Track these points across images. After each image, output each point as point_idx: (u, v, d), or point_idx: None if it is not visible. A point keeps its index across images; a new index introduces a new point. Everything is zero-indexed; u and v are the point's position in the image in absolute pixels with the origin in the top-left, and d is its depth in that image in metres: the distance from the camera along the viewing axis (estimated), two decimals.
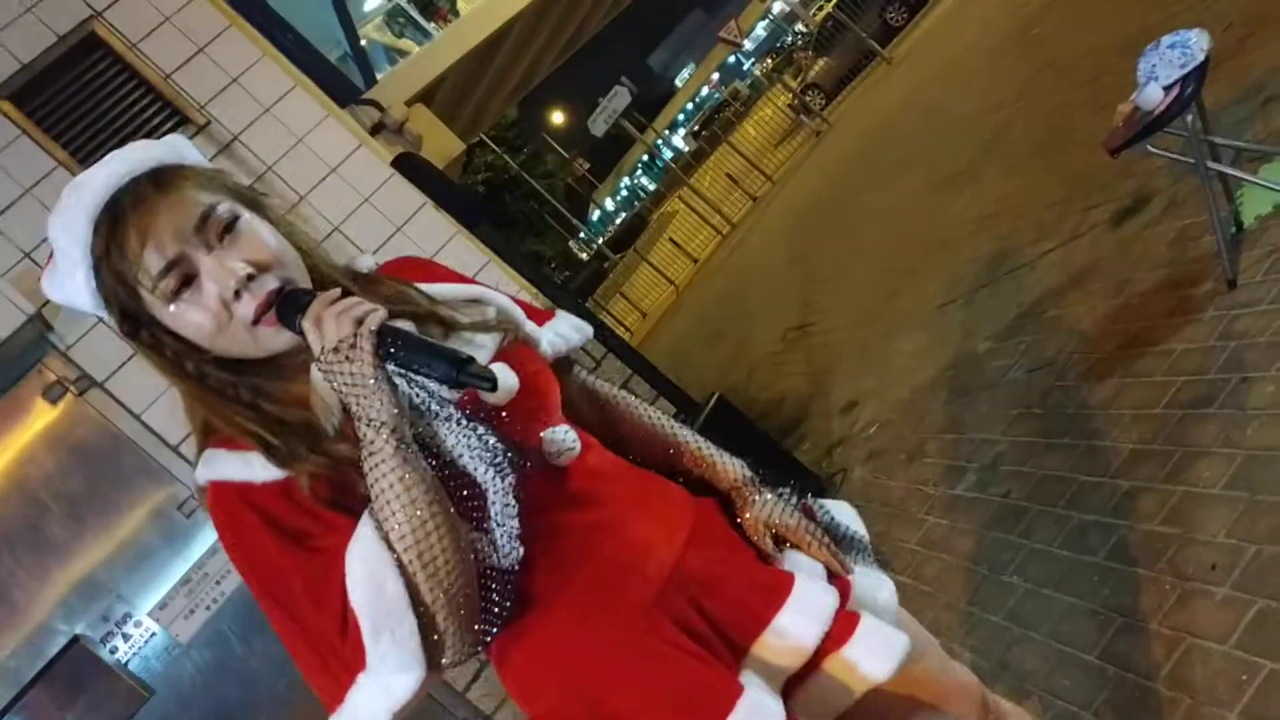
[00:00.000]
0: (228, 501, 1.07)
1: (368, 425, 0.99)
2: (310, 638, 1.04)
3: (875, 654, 1.13)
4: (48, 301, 4.00)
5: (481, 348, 1.17)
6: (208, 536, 4.01)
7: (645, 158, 47.84)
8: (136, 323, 1.10)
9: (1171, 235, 3.20)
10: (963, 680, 1.31)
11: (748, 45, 38.11)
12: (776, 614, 1.14)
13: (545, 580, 1.11)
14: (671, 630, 1.11)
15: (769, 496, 1.26)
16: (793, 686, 1.15)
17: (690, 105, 61.35)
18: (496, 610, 1.05)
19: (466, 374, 0.99)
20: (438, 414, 1.05)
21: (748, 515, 1.25)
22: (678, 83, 71.26)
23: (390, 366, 1.02)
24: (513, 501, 1.05)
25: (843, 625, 1.14)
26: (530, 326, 1.29)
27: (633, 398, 1.38)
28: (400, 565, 0.99)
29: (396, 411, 1.00)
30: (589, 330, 1.39)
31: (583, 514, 1.14)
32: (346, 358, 0.99)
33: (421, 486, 1.00)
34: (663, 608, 1.12)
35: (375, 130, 5.22)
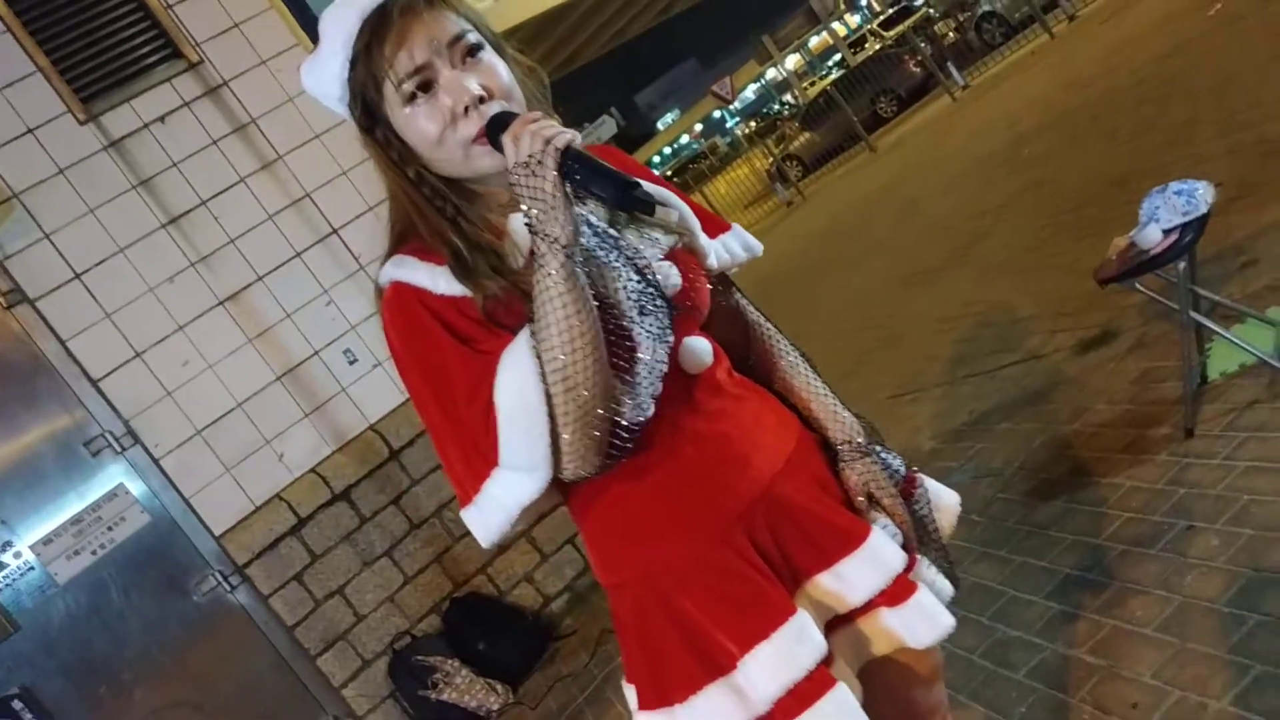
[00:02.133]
0: (407, 300, 1.17)
1: (543, 239, 1.06)
2: (458, 431, 1.13)
3: (923, 622, 1.23)
4: None
5: (655, 244, 1.25)
6: (107, 479, 3.85)
7: None
8: (373, 120, 1.20)
9: (1135, 374, 3.24)
10: (941, 689, 1.41)
11: (736, 104, 38.64)
12: (845, 558, 1.24)
13: (649, 468, 1.20)
14: (745, 544, 1.21)
15: (873, 460, 1.34)
16: (837, 626, 1.25)
17: (668, 149, 61.90)
18: (616, 451, 1.13)
19: (631, 196, 1.06)
20: (615, 259, 1.15)
21: (849, 472, 1.34)
22: (660, 125, 71.84)
23: (570, 191, 1.08)
24: (663, 359, 1.16)
25: (900, 588, 1.24)
26: (703, 238, 1.36)
27: (776, 332, 1.46)
28: (543, 375, 1.07)
29: (572, 232, 1.06)
30: (757, 248, 1.47)
31: (697, 420, 1.23)
32: (533, 172, 1.05)
33: (577, 307, 1.06)
34: (743, 523, 1.22)
35: None
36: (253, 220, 4.29)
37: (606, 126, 17.67)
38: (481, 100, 1.16)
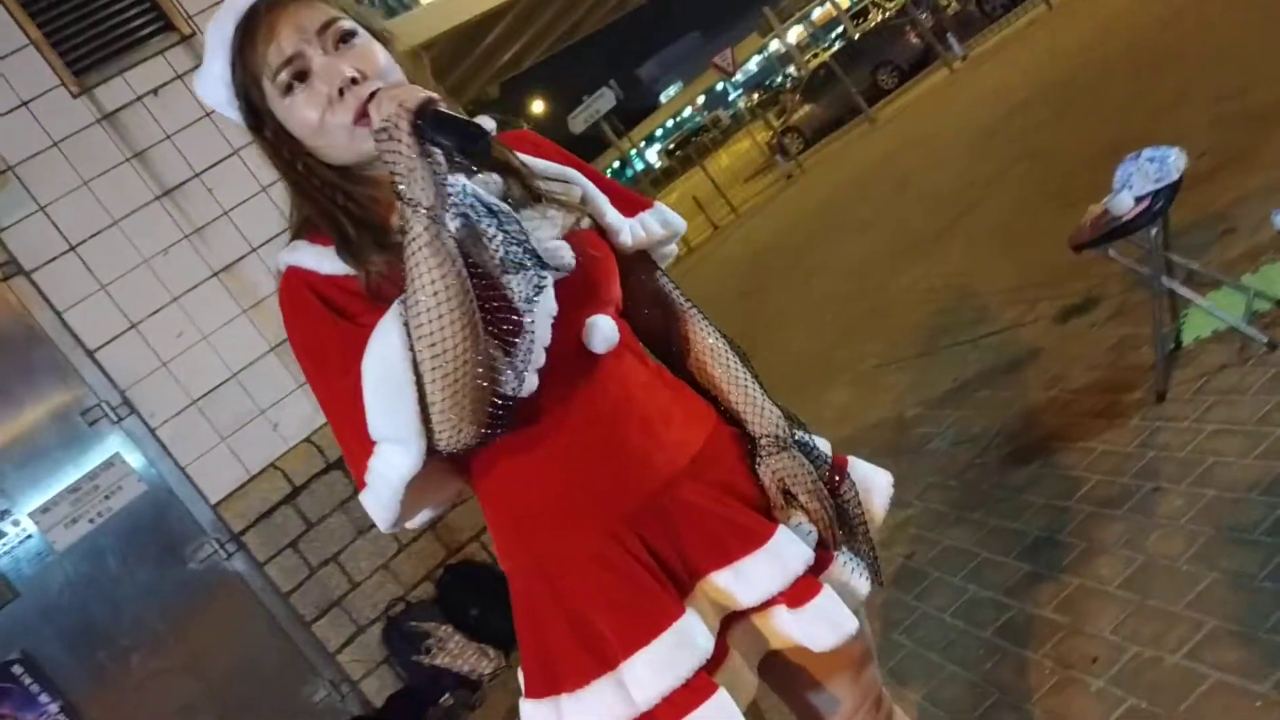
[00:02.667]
0: (293, 283, 1.20)
1: (408, 205, 1.06)
2: (340, 408, 1.13)
3: (822, 626, 1.20)
4: None
5: (553, 222, 1.24)
6: (104, 449, 3.92)
7: (617, 164, 47.90)
8: (260, 119, 1.22)
9: (1113, 340, 3.29)
10: (870, 676, 1.38)
11: (739, 77, 38.46)
12: (745, 556, 1.20)
13: (543, 454, 1.19)
14: (635, 542, 1.19)
15: (791, 456, 1.30)
16: (737, 618, 1.23)
17: (670, 122, 61.67)
18: (496, 422, 1.11)
19: (474, 147, 1.07)
20: (490, 225, 1.14)
21: (764, 468, 1.30)
22: (662, 98, 71.53)
23: (436, 156, 1.08)
24: (545, 330, 1.14)
25: (803, 588, 1.20)
26: (613, 215, 1.34)
27: (701, 318, 1.41)
28: (411, 346, 1.06)
29: (435, 196, 1.06)
30: (679, 225, 1.44)
31: (597, 407, 1.21)
32: (389, 135, 1.06)
33: (443, 271, 1.05)
34: (635, 520, 1.20)
35: None
36: (246, 192, 4.32)
37: (605, 99, 17.70)
38: (355, 82, 1.16)
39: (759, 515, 1.25)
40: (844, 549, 1.30)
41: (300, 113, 1.18)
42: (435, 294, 1.05)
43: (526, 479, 1.20)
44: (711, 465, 1.26)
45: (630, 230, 1.36)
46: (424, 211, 1.05)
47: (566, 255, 1.21)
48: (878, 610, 2.78)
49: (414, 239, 1.05)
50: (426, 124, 1.06)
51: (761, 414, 1.34)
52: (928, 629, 2.58)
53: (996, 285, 4.55)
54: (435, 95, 1.09)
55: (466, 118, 1.09)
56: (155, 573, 3.95)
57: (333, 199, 1.21)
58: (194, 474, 4.04)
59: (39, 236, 3.99)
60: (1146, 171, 2.65)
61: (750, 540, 1.21)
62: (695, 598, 1.21)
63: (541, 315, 1.14)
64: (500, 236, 1.14)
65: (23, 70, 4.04)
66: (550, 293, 1.16)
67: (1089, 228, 2.78)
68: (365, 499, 1.15)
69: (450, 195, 1.10)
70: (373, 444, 1.10)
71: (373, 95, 1.13)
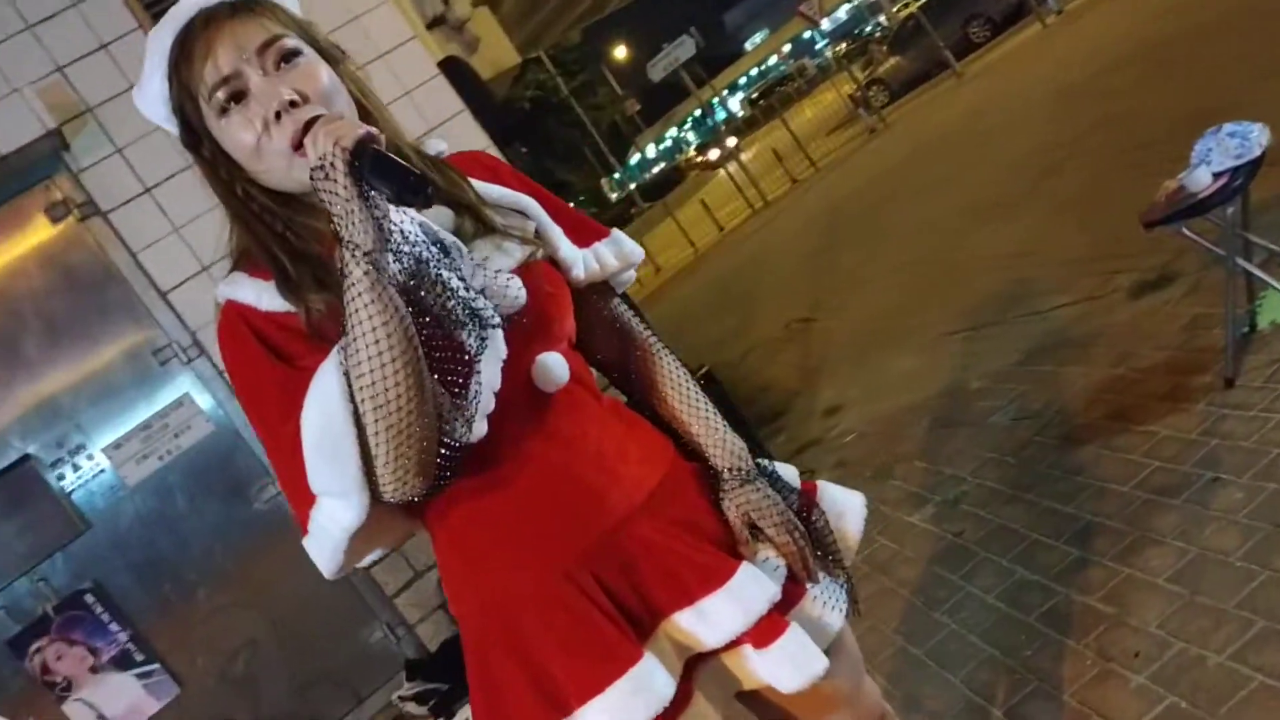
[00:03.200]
0: (231, 319, 1.15)
1: (345, 247, 1.00)
2: (281, 454, 1.07)
3: (787, 667, 1.15)
4: (70, 119, 3.98)
5: (509, 256, 1.19)
6: (175, 388, 4.02)
7: (697, 113, 47.40)
8: (197, 137, 1.17)
9: (1185, 320, 3.18)
10: (869, 704, 1.33)
11: (825, 25, 37.67)
12: (706, 596, 1.15)
13: (492, 493, 1.14)
14: (590, 583, 1.14)
15: (756, 489, 1.25)
16: (703, 659, 1.18)
17: (755, 71, 60.76)
18: (444, 471, 1.07)
19: (408, 192, 0.99)
20: (437, 267, 1.07)
21: (728, 502, 1.25)
22: (747, 46, 70.49)
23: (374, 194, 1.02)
24: (495, 375, 1.09)
25: (768, 628, 1.15)
26: (566, 248, 1.28)
27: (663, 349, 1.36)
28: (351, 394, 1.01)
29: (375, 239, 1.00)
30: (635, 255, 1.38)
31: (549, 445, 1.16)
32: (326, 174, 1.00)
33: (385, 318, 0.99)
34: (590, 559, 1.14)
35: (434, 23, 5.15)
36: None
37: (685, 46, 17.49)
38: (294, 104, 1.09)
39: (721, 553, 1.20)
40: (823, 579, 1.25)
41: (235, 134, 1.12)
42: (377, 342, 0.99)
43: (476, 520, 1.15)
44: (670, 501, 1.21)
45: (584, 263, 1.30)
46: (362, 255, 0.99)
47: (516, 290, 1.15)
48: (923, 587, 2.75)
49: (353, 284, 0.99)
50: (364, 166, 1.00)
51: (723, 446, 1.29)
52: (971, 610, 2.55)
53: (1071, 255, 4.42)
54: (374, 131, 1.03)
55: (405, 164, 1.01)
56: (221, 511, 4.06)
57: (271, 228, 1.15)
58: None
59: (116, 178, 4.08)
60: (1227, 146, 2.54)
61: (711, 579, 1.15)
62: (657, 639, 1.15)
63: (491, 359, 1.09)
64: (448, 277, 1.07)
65: (102, 12, 4.11)
66: (499, 335, 1.10)
67: (1163, 203, 2.67)
68: (308, 547, 1.10)
69: (391, 236, 1.03)
70: (313, 496, 1.05)
71: (311, 123, 1.07)
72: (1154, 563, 2.27)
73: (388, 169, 1.00)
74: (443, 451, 1.06)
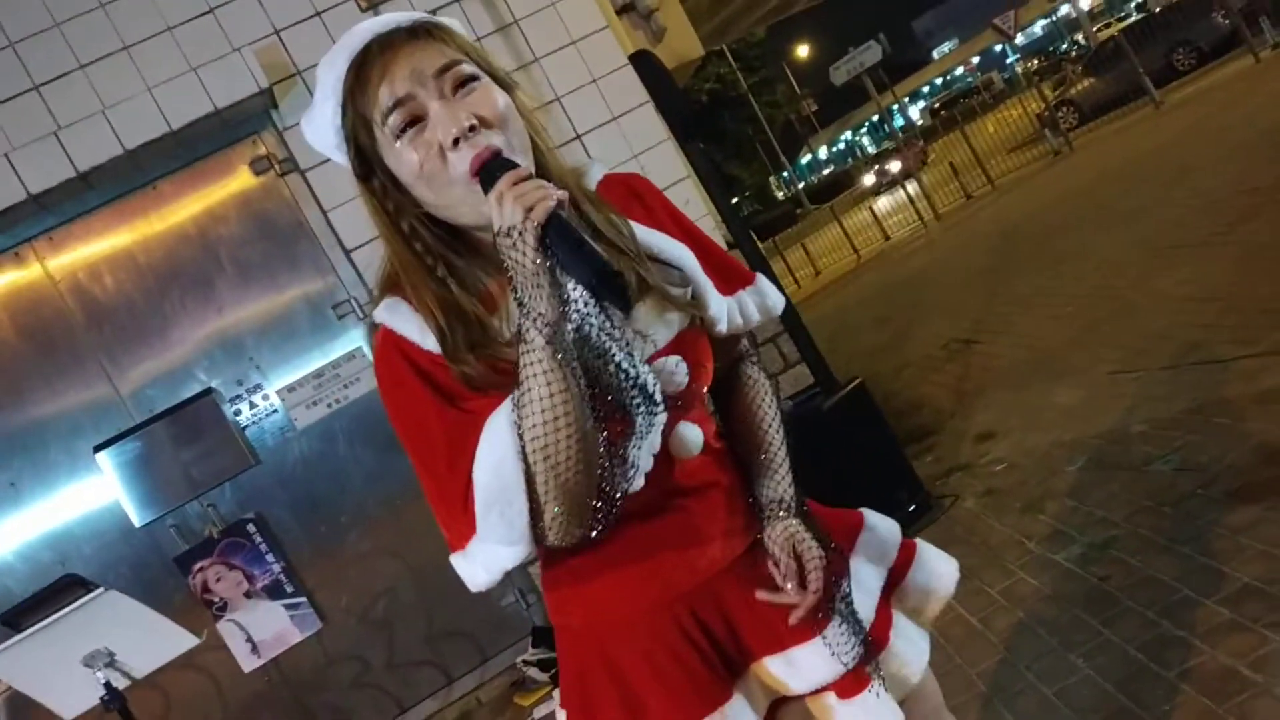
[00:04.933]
0: (390, 352, 1.15)
1: (526, 316, 1.00)
2: (440, 493, 1.10)
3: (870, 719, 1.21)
4: (281, 79, 4.23)
5: (669, 327, 1.18)
6: (349, 341, 4.24)
7: (875, 118, 46.53)
8: (369, 166, 1.16)
9: None
10: None
11: (1019, 40, 36.45)
12: (796, 645, 1.22)
13: (614, 530, 1.14)
14: (690, 621, 1.20)
15: (801, 524, 1.26)
16: (787, 700, 1.26)
17: (939, 80, 59.29)
18: (601, 524, 1.10)
19: (605, 288, 0.97)
20: (603, 336, 1.05)
21: (772, 530, 1.26)
22: (935, 54, 68.85)
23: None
24: (656, 443, 1.12)
25: (853, 681, 1.21)
26: (715, 304, 1.25)
27: (765, 380, 1.37)
28: (523, 452, 1.03)
29: (556, 310, 1.00)
30: (777, 309, 1.36)
31: (668, 498, 1.20)
32: (514, 244, 0.99)
33: (561, 386, 1.01)
34: (692, 599, 1.21)
35: (623, 9, 5.25)
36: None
37: (872, 51, 17.26)
38: (474, 129, 1.09)
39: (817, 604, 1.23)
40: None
41: (409, 158, 1.11)
42: (554, 407, 1.00)
43: (594, 549, 1.17)
44: (760, 562, 1.25)
45: (729, 317, 1.28)
46: (545, 326, 0.99)
47: (683, 378, 1.17)
48: (1059, 628, 2.69)
49: (532, 349, 1.00)
50: (555, 243, 0.98)
51: (785, 479, 1.29)
52: (1109, 657, 2.48)
53: (1262, 304, 4.20)
54: (564, 197, 1.00)
55: (596, 249, 0.99)
56: (378, 462, 4.27)
57: (432, 271, 1.15)
58: None
59: None
60: None
61: (802, 630, 1.20)
62: (747, 680, 1.22)
63: (654, 430, 1.11)
64: (614, 350, 1.06)
65: None
66: (663, 412, 1.11)
67: None
68: (457, 564, 1.14)
69: (571, 305, 1.02)
70: (471, 533, 1.08)
71: (491, 167, 1.06)
72: None
73: (577, 250, 0.98)
74: (600, 504, 1.08)
